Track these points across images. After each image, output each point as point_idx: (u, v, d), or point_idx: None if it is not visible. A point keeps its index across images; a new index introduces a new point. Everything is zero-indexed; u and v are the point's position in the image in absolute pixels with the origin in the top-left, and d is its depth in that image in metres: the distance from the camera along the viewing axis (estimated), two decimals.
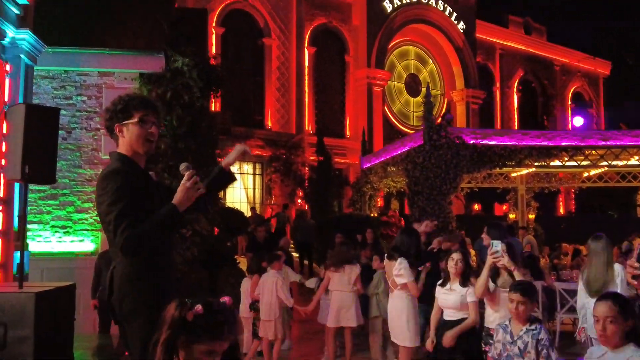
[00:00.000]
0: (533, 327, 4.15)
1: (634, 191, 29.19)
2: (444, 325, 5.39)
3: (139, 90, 9.94)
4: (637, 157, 15.87)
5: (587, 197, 27.94)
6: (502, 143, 14.94)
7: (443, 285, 5.47)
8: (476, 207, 29.02)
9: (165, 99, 10.05)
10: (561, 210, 32.83)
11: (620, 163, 16.20)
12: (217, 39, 25.77)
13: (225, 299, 2.08)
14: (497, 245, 4.76)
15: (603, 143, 15.38)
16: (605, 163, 16.03)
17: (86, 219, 9.98)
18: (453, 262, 5.38)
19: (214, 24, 25.52)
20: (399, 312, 5.92)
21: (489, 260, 4.84)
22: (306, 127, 28.11)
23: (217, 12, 25.91)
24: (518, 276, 4.68)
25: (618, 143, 15.50)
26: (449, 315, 5.39)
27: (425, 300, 6.21)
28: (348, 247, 7.92)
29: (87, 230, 9.98)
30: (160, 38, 10.58)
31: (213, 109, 23.82)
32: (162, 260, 3.01)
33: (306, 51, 28.78)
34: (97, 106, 10.19)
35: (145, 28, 11.03)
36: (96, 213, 10.10)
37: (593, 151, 15.52)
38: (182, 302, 2.01)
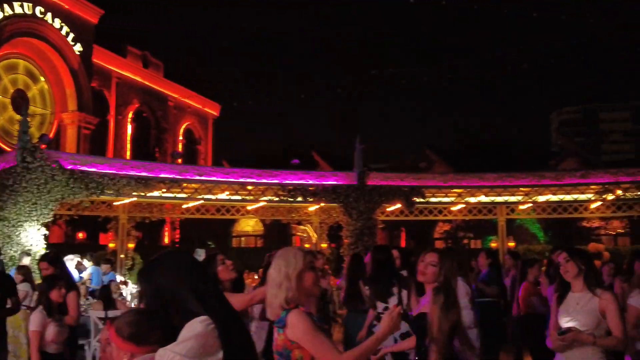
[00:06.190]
0: None
1: (231, 223, 32.44)
2: None
3: None
4: (227, 192, 17.53)
5: (190, 227, 29.77)
6: (102, 170, 14.83)
7: None
8: (80, 235, 28.08)
9: None
10: (166, 240, 34.03)
11: (213, 197, 17.65)
12: None
13: None
14: None
15: (198, 177, 16.60)
16: (200, 196, 17.30)
17: None
18: None
19: None
20: None
21: None
22: None
23: None
24: None
25: (211, 178, 16.94)
26: None
27: None
28: None
29: None
30: None
31: None
32: None
33: None
34: None
35: None
36: None
37: (189, 185, 16.60)
38: None
